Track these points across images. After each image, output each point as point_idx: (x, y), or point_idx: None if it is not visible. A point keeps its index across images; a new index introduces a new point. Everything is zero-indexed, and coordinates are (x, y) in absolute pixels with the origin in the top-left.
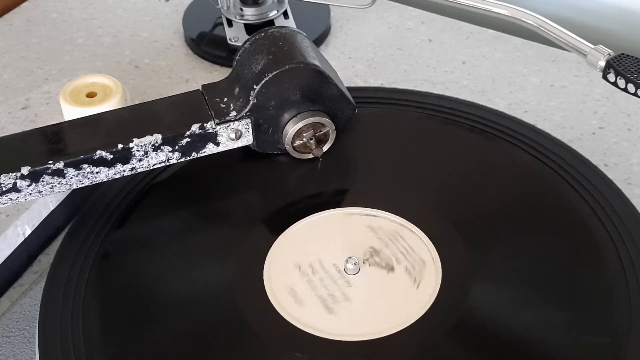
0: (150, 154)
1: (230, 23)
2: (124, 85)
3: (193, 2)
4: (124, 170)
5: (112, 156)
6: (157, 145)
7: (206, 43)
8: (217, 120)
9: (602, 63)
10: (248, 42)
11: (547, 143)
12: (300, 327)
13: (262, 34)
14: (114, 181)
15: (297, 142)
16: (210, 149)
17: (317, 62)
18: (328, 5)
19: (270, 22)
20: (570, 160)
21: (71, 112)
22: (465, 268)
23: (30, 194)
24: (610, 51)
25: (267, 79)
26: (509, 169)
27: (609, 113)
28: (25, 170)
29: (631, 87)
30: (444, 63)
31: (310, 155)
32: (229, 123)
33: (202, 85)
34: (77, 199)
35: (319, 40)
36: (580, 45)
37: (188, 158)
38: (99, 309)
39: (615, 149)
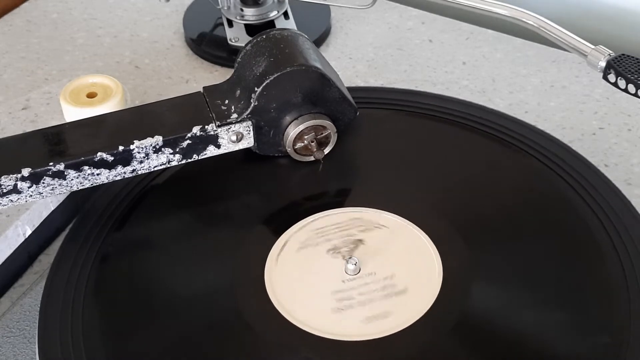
0: (151, 156)
1: (230, 23)
2: (124, 85)
3: (193, 2)
4: (124, 172)
5: (112, 158)
6: (158, 147)
7: (206, 43)
8: (218, 122)
9: (603, 63)
10: (249, 44)
11: (547, 143)
12: (301, 327)
13: (264, 36)
14: (114, 182)
15: (299, 145)
16: (211, 151)
17: (318, 65)
18: (328, 5)
19: (271, 23)
20: (570, 160)
21: (71, 112)
22: (465, 268)
23: (31, 195)
24: (610, 52)
25: (268, 81)
26: (509, 170)
27: (609, 113)
28: (25, 171)
29: (631, 88)
30: (444, 63)
31: (312, 158)
32: (230, 125)
33: (203, 87)
34: (77, 199)
35: (319, 41)
36: (581, 46)
37: (189, 160)
38: (99, 309)
39: (615, 150)
